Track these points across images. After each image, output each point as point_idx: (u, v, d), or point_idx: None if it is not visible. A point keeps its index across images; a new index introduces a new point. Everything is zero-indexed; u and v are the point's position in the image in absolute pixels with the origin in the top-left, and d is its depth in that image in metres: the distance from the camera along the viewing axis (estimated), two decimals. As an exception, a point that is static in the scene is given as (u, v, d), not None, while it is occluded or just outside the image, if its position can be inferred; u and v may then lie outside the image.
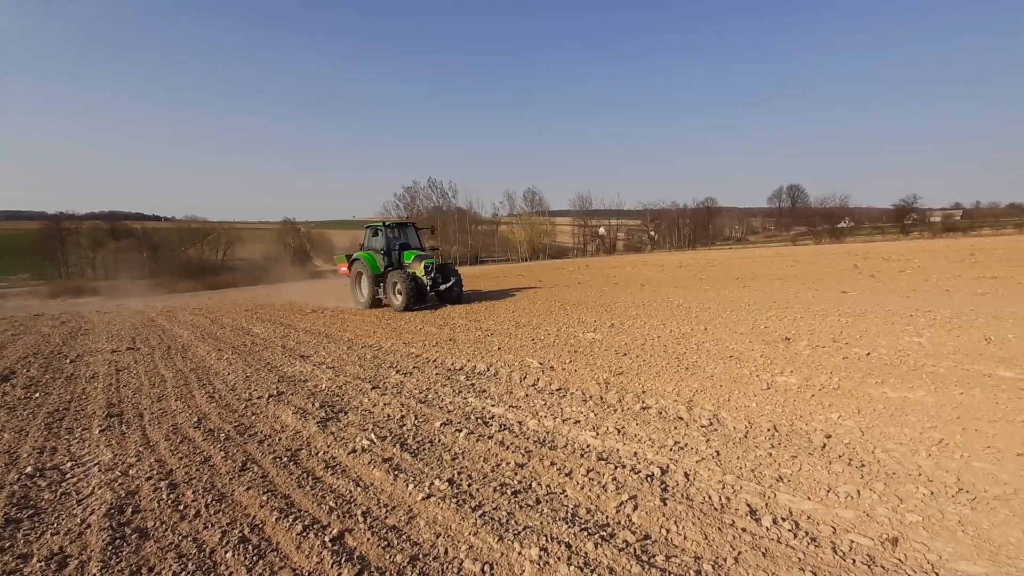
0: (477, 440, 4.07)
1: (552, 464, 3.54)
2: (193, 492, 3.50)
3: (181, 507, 3.32)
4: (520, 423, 4.44)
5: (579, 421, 4.37)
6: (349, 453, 3.98)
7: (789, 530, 2.63)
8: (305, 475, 3.67)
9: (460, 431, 4.27)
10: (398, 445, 4.06)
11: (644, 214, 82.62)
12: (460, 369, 6.52)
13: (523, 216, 75.17)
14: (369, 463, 3.75)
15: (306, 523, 2.99)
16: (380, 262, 14.34)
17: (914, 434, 3.59)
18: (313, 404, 5.33)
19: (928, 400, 4.15)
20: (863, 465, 3.24)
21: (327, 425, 4.68)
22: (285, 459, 3.98)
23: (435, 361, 7.07)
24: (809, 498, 2.91)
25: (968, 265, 16.39)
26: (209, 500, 3.38)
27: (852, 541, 2.51)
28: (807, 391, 4.64)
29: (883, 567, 2.32)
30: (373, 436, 4.28)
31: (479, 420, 4.56)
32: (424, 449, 3.99)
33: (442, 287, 13.96)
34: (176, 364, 8.15)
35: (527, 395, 5.21)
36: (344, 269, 15.91)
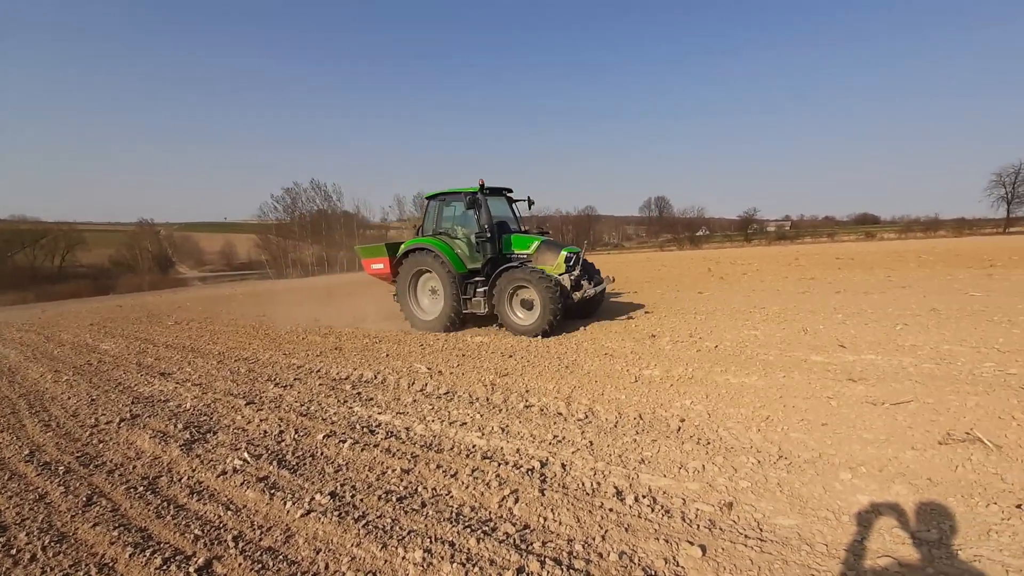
0: (362, 450, 4.00)
1: (438, 467, 3.61)
2: (27, 534, 3.04)
3: (13, 552, 2.88)
4: (407, 429, 4.43)
5: (465, 423, 4.47)
6: (218, 476, 3.69)
7: (648, 505, 2.96)
8: (165, 504, 3.34)
9: (344, 442, 4.16)
10: (275, 462, 3.85)
11: (531, 220, 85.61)
12: (346, 378, 6.31)
13: (414, 221, 73.91)
14: (242, 484, 3.52)
15: (167, 555, 2.74)
16: (468, 253, 9.24)
17: (748, 413, 4.21)
18: (175, 426, 4.83)
19: (759, 383, 4.89)
20: (708, 443, 3.73)
21: (192, 448, 4.28)
22: (141, 489, 3.59)
23: (319, 371, 6.76)
24: (665, 476, 3.30)
25: (793, 268, 19.33)
26: (47, 541, 2.96)
27: (697, 509, 2.90)
28: (667, 382, 5.21)
29: (721, 528, 2.72)
30: (247, 455, 4.01)
31: (365, 429, 4.47)
32: (304, 464, 3.83)
33: (589, 293, 8.73)
34: (0, 390, 6.87)
35: (415, 401, 5.21)
36: (380, 267, 10.25)
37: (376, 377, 6.22)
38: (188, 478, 3.73)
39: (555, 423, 4.35)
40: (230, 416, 5.09)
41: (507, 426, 4.33)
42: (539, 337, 8.06)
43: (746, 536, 2.63)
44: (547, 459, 3.65)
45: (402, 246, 9.90)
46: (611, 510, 2.95)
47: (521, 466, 3.56)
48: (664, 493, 3.10)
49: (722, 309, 9.64)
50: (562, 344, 7.36)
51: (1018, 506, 2.69)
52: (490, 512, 3.01)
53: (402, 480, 3.47)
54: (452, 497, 3.21)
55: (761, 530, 2.69)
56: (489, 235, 9.09)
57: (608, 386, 5.20)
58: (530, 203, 10.53)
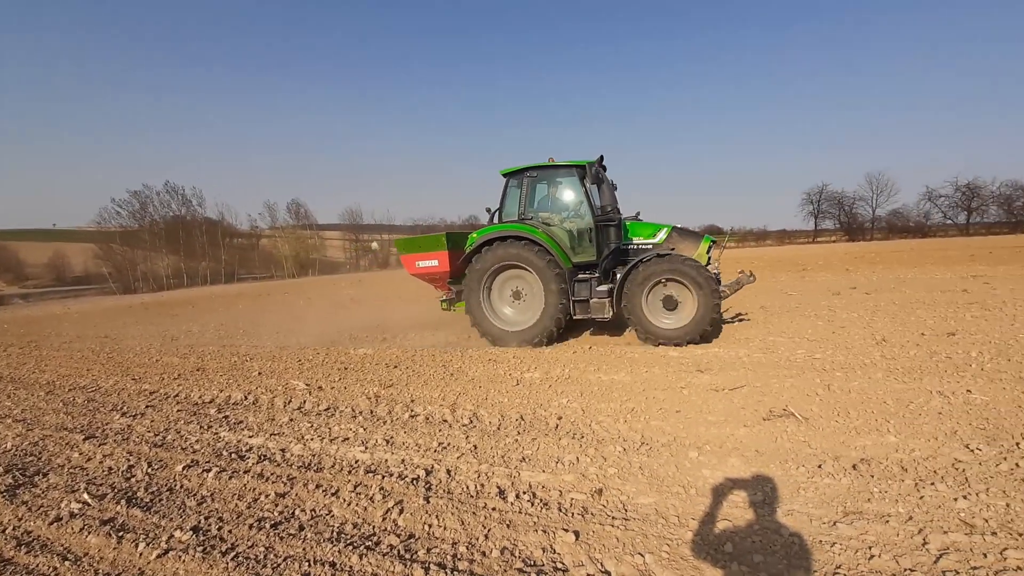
0: (231, 477, 3.71)
1: (318, 487, 3.47)
2: None
3: None
4: (283, 450, 4.19)
5: (348, 438, 4.35)
6: (52, 523, 3.19)
7: (528, 500, 3.14)
8: (-20, 564, 2.81)
9: (209, 471, 3.82)
10: (124, 501, 3.42)
11: (415, 229, 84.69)
12: (210, 402, 5.76)
13: (287, 229, 69.09)
14: (82, 530, 3.08)
15: (-19, 624, 2.32)
16: (570, 243, 7.52)
17: (616, 406, 4.63)
18: (-12, 472, 4.06)
19: (627, 379, 5.39)
20: (583, 436, 4.05)
21: (16, 494, 3.65)
22: (-59, 551, 2.97)
23: (176, 396, 6.08)
24: (544, 471, 3.52)
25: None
26: None
27: (572, 498, 3.14)
28: (547, 383, 5.52)
29: (592, 513, 2.98)
30: (87, 496, 3.51)
31: (233, 455, 4.14)
32: (160, 500, 3.46)
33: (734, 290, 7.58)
34: None
35: (292, 420, 4.93)
36: (431, 264, 8.16)
37: (247, 398, 5.77)
38: (14, 528, 3.18)
39: (440, 430, 4.40)
40: (64, 454, 4.40)
41: (392, 437, 4.29)
42: (695, 343, 6.71)
43: (613, 517, 2.91)
44: (432, 467, 3.69)
45: (474, 235, 7.79)
46: (494, 509, 3.08)
47: (406, 476, 3.56)
48: (543, 487, 3.31)
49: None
50: (447, 352, 7.42)
51: (819, 466, 3.30)
52: (374, 526, 2.98)
53: (277, 505, 3.29)
54: (333, 516, 3.12)
55: (626, 510, 3.00)
56: (621, 218, 7.38)
57: (492, 390, 5.38)
58: (613, 187, 8.19)
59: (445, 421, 4.63)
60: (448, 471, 3.61)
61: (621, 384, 5.25)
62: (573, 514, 2.98)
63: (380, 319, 12.09)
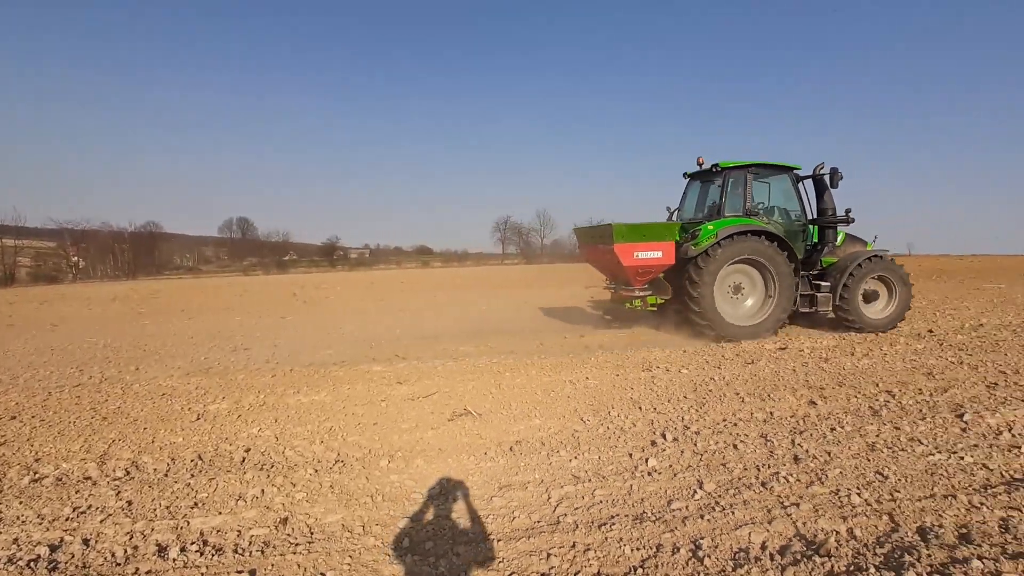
0: None
1: None
2: None
3: None
4: None
5: (-93, 532, 3.05)
6: None
7: (196, 551, 2.80)
8: None
9: None
10: None
11: (63, 234, 63.97)
12: None
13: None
14: None
15: None
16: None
17: (314, 428, 4.54)
18: None
19: (327, 399, 5.33)
20: (272, 466, 3.82)
21: None
22: None
23: None
24: (220, 512, 3.19)
25: (371, 292, 21.81)
26: None
27: (252, 535, 2.94)
28: (236, 413, 5.00)
29: (274, 546, 2.84)
30: None
31: None
32: None
33: None
34: None
35: None
36: (654, 256, 7.71)
37: None
38: None
39: (78, 491, 3.51)
40: None
41: (-4, 514, 3.21)
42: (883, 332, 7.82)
43: (297, 544, 2.86)
44: (61, 540, 2.92)
45: (709, 227, 7.71)
46: (148, 572, 2.64)
47: (18, 560, 2.73)
48: (217, 531, 3.00)
49: (303, 333, 9.95)
50: (99, 391, 5.93)
51: (485, 453, 3.95)
52: (-51, 641, 2.20)
53: None
54: None
55: (312, 533, 2.98)
56: (851, 220, 8.21)
57: (162, 430, 4.57)
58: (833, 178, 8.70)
59: (88, 479, 3.71)
60: (85, 540, 2.92)
61: (321, 404, 5.17)
62: (252, 553, 2.80)
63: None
